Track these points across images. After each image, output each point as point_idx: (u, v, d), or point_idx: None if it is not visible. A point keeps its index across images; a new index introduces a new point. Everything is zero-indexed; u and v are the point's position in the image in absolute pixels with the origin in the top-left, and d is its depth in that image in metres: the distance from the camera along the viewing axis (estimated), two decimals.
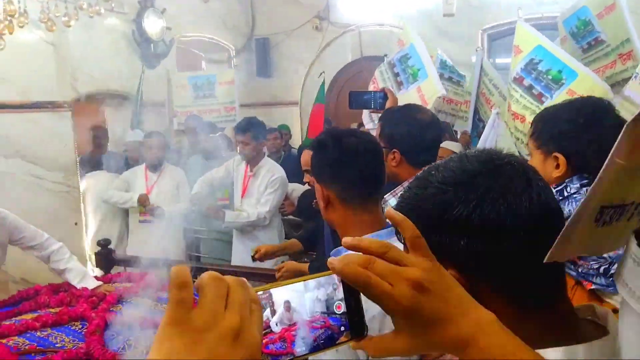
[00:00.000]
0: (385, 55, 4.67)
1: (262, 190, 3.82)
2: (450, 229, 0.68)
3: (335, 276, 0.62)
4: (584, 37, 3.31)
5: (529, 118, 2.54)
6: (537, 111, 2.52)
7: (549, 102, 2.46)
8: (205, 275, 0.54)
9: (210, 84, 5.64)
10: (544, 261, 0.64)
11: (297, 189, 4.20)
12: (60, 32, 3.58)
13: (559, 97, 2.43)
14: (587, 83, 2.44)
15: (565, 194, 1.28)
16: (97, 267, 3.85)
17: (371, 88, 3.76)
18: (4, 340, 2.27)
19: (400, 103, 3.94)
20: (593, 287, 1.22)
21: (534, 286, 0.69)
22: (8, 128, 4.27)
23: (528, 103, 2.61)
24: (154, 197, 4.21)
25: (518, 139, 2.69)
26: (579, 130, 1.29)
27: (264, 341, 0.56)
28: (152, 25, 5.52)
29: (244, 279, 0.56)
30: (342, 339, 0.62)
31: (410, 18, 6.53)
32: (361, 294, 0.61)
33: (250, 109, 7.57)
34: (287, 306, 0.62)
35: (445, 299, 0.57)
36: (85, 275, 3.00)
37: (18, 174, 4.35)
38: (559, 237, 0.61)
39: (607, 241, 0.68)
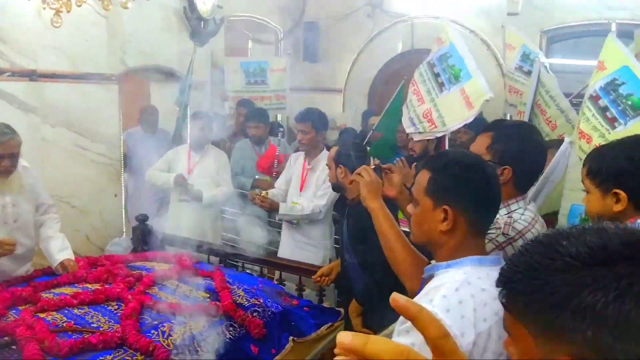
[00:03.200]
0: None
1: (320, 184, 3.75)
2: (577, 315, 0.59)
3: None
4: None
5: (596, 140, 2.39)
6: (606, 135, 2.36)
7: (621, 130, 2.29)
8: None
9: (262, 71, 5.60)
10: None
11: None
12: (112, 6, 3.56)
13: (633, 126, 2.26)
14: None
15: None
16: (133, 242, 3.87)
17: (411, 90, 3.61)
18: (43, 315, 2.29)
19: (442, 105, 3.82)
20: None
21: None
22: (56, 97, 4.32)
23: (599, 125, 2.43)
24: (194, 178, 4.18)
25: (580, 159, 2.54)
26: (638, 167, 1.32)
27: None
28: (204, 2, 5.49)
29: None
30: None
31: (468, 14, 6.35)
32: None
33: (292, 92, 7.52)
34: None
35: None
36: (65, 249, 3.04)
37: (63, 143, 4.41)
38: None
39: None
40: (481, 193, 1.41)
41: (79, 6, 3.27)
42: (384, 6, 7.01)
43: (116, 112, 4.82)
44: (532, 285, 0.57)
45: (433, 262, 1.47)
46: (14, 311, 2.37)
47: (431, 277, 1.44)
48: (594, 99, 2.51)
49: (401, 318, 1.35)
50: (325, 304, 3.11)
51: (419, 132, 3.43)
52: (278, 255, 3.82)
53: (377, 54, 7.16)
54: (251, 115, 4.73)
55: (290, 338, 2.57)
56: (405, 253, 1.72)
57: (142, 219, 3.76)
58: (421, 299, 1.33)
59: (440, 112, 3.44)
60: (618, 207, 1.37)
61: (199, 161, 4.28)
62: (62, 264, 2.93)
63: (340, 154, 2.87)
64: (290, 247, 3.81)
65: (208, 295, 2.67)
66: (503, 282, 0.76)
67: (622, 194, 1.36)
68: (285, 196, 3.90)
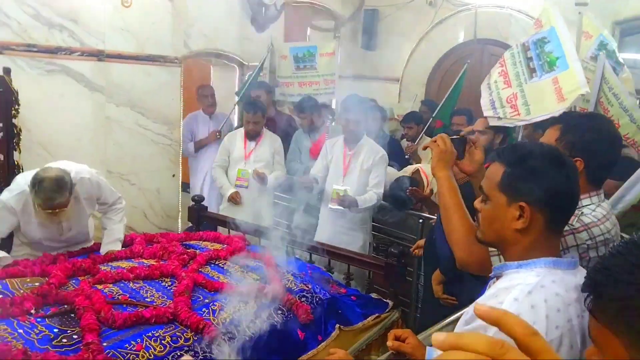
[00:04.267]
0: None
1: (366, 169, 3.78)
2: None
3: None
4: None
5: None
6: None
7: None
8: None
9: (311, 55, 5.54)
10: None
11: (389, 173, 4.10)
12: None
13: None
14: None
15: None
16: (189, 220, 3.98)
17: (498, 71, 3.43)
18: (100, 287, 2.39)
19: (530, 92, 3.61)
20: None
21: None
22: (122, 77, 4.46)
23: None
24: (251, 164, 4.29)
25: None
26: None
27: None
28: None
29: None
30: None
31: (535, 3, 6.08)
32: None
33: (349, 80, 7.46)
34: None
35: None
36: (115, 241, 3.06)
37: (125, 122, 4.56)
38: None
39: None
40: (561, 189, 1.29)
41: None
42: None
43: (178, 95, 4.93)
44: (627, 291, 0.52)
45: (500, 260, 1.41)
46: (74, 281, 2.49)
47: (499, 276, 1.37)
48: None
49: (462, 319, 1.32)
50: (374, 295, 3.10)
51: (498, 118, 3.28)
52: (315, 239, 3.85)
53: (437, 43, 6.99)
54: (298, 107, 4.80)
55: (337, 326, 2.58)
56: (460, 224, 1.67)
57: (199, 200, 3.85)
58: (489, 300, 1.27)
59: (527, 99, 3.27)
60: None
61: (255, 148, 4.34)
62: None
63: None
64: (331, 232, 3.83)
65: (258, 278, 2.71)
66: (592, 286, 0.70)
67: None
68: (323, 182, 3.93)
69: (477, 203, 1.43)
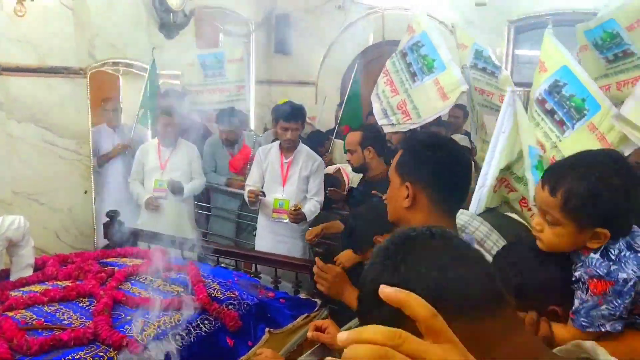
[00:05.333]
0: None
1: (304, 177, 3.74)
2: None
3: None
4: (610, 48, 3.22)
5: (550, 152, 2.40)
6: (557, 144, 2.37)
7: (569, 133, 2.31)
8: None
9: (219, 62, 5.46)
10: None
11: None
12: None
13: (579, 129, 2.29)
14: (607, 121, 2.28)
15: (613, 257, 1.17)
16: (105, 238, 3.82)
17: (383, 80, 3.58)
18: (11, 314, 2.24)
19: (417, 96, 3.77)
20: None
21: None
22: (23, 92, 4.19)
23: (549, 130, 2.45)
24: (167, 173, 4.17)
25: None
26: (619, 202, 1.17)
27: None
28: None
29: None
30: None
31: (437, 5, 6.39)
32: None
33: (265, 85, 7.46)
34: None
35: None
36: (26, 267, 2.87)
37: (30, 139, 4.29)
38: None
39: None
40: (442, 171, 1.42)
41: None
42: None
43: (85, 107, 4.71)
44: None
45: None
46: None
47: None
48: (541, 102, 2.51)
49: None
50: (302, 295, 3.12)
51: (392, 125, 3.43)
52: (256, 249, 3.81)
53: (349, 46, 7.15)
54: (221, 118, 4.69)
55: (267, 329, 2.57)
56: None
57: (113, 215, 3.70)
58: None
59: (415, 103, 3.43)
60: (596, 245, 1.19)
61: (171, 156, 4.24)
62: None
63: (366, 137, 3.23)
64: (270, 241, 3.79)
65: (182, 290, 2.64)
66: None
67: (607, 233, 1.17)
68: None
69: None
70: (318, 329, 1.68)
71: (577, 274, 1.21)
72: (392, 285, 0.55)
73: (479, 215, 2.03)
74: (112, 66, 5.26)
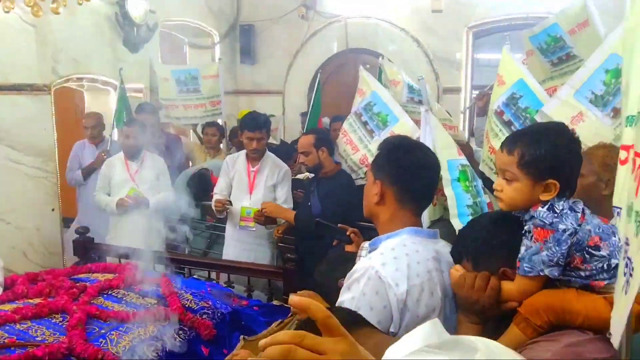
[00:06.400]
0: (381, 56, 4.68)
1: (271, 185, 3.78)
2: None
3: None
4: (554, 52, 3.43)
5: None
6: None
7: None
8: None
9: (194, 79, 5.50)
10: None
11: None
12: (42, 12, 3.46)
13: None
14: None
15: (557, 211, 1.35)
16: (75, 255, 3.79)
17: (343, 140, 3.71)
18: None
19: (376, 148, 3.92)
20: (606, 282, 1.29)
21: None
22: None
23: None
24: (136, 186, 4.17)
25: (492, 169, 2.71)
26: (565, 158, 1.37)
27: None
28: (136, 8, 5.40)
29: None
30: None
31: (397, 13, 6.56)
32: None
33: (232, 96, 7.50)
34: None
35: None
36: None
37: None
38: None
39: None
40: (408, 172, 1.57)
41: (7, 12, 3.16)
42: (317, 7, 7.12)
43: (50, 124, 4.67)
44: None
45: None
46: None
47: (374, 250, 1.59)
48: (499, 114, 2.67)
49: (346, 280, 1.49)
50: (275, 302, 3.16)
51: (361, 177, 3.56)
52: (223, 258, 3.84)
53: (314, 54, 7.27)
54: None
55: (241, 337, 2.61)
56: None
57: (83, 232, 3.69)
58: (363, 261, 1.52)
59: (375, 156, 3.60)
60: (547, 197, 1.35)
61: (139, 169, 4.23)
62: None
63: (319, 139, 3.48)
64: (237, 250, 3.82)
65: (156, 301, 2.66)
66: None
67: (557, 183, 1.34)
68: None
69: None
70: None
71: (526, 227, 1.38)
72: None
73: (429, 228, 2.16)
74: (76, 82, 5.23)
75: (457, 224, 2.27)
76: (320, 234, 2.85)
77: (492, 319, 1.38)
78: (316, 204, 3.49)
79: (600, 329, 1.23)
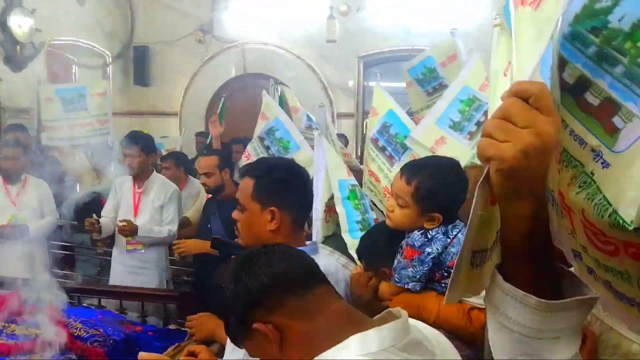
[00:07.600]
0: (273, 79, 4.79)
1: (158, 207, 3.70)
2: None
3: None
4: (429, 82, 3.83)
5: (383, 181, 2.85)
6: (389, 175, 2.80)
7: (397, 165, 2.74)
8: None
9: (82, 97, 5.25)
10: (444, 303, 0.85)
11: None
12: None
13: (405, 159, 2.72)
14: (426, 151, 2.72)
15: (429, 237, 1.55)
16: None
17: (244, 161, 3.81)
18: None
19: None
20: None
21: None
22: None
23: (381, 163, 2.90)
24: (17, 212, 3.90)
25: (372, 191, 2.98)
26: (453, 195, 1.55)
27: None
28: (20, 25, 5.13)
29: None
30: None
31: (293, 41, 6.80)
32: None
33: (125, 117, 7.29)
34: None
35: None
36: None
37: None
38: (450, 281, 0.73)
39: (481, 280, 0.77)
40: (301, 193, 1.62)
41: None
42: (215, 32, 7.17)
43: None
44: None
45: None
46: None
47: None
48: (374, 141, 2.98)
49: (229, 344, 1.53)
50: (171, 327, 3.11)
51: None
52: (110, 282, 3.72)
53: (212, 77, 7.29)
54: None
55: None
56: None
57: None
58: None
59: None
60: (429, 226, 1.55)
61: (20, 193, 3.98)
62: None
63: (222, 160, 3.48)
64: (122, 274, 3.70)
65: (40, 332, 2.53)
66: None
67: (440, 217, 1.54)
68: (115, 223, 3.72)
69: (235, 214, 1.62)
70: (191, 353, 1.75)
71: (402, 242, 1.58)
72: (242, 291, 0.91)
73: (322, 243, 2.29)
74: None
75: (348, 239, 2.43)
76: (218, 250, 2.88)
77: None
78: (217, 226, 3.45)
79: (450, 331, 1.41)
